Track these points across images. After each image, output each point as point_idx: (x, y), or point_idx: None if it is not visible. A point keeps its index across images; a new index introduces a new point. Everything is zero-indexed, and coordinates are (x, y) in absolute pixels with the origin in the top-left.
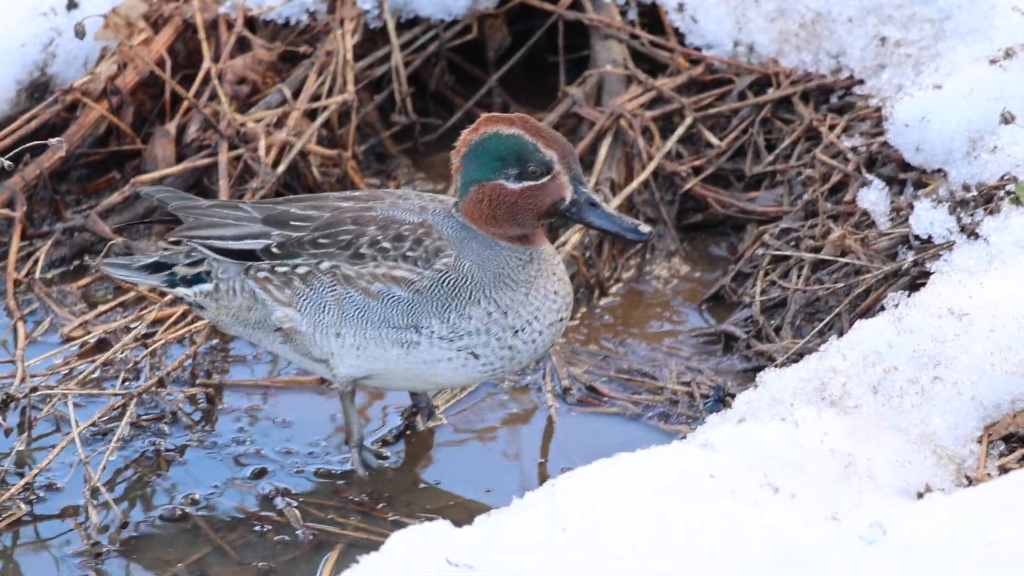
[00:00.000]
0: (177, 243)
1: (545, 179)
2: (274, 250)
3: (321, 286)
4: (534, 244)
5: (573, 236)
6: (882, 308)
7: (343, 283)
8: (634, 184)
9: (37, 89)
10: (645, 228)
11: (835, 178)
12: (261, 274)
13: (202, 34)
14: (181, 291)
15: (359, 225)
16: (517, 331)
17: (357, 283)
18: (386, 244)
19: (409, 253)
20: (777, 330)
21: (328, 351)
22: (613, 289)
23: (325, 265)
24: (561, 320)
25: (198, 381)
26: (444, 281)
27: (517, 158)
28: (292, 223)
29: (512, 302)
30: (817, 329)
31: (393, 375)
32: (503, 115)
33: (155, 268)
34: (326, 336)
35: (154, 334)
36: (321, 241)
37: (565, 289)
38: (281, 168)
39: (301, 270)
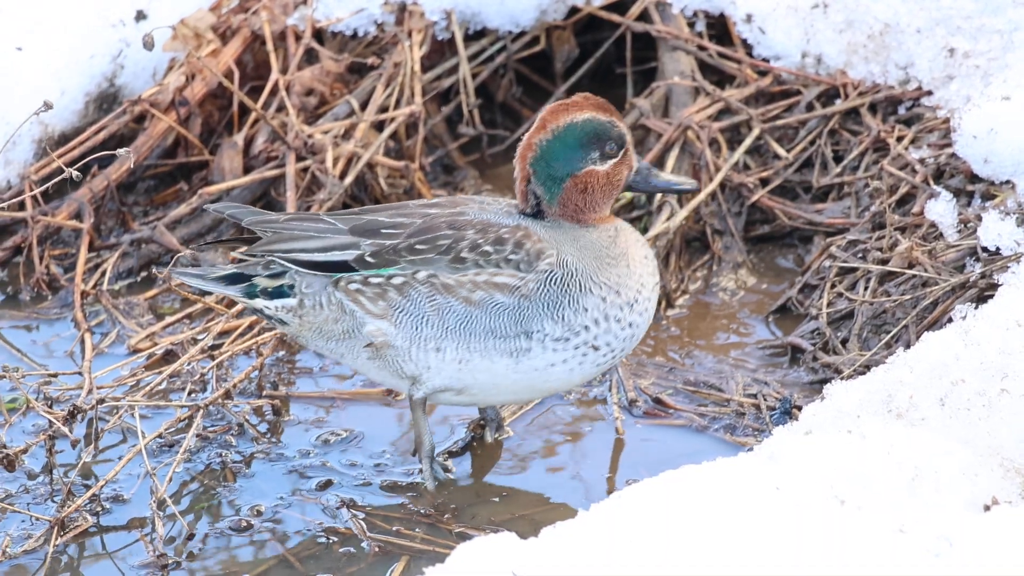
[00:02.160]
0: (251, 255)
1: (621, 153)
2: (368, 259)
3: (419, 296)
4: (611, 220)
5: None
6: (949, 320)
7: (443, 292)
8: (701, 196)
9: (105, 100)
10: (691, 183)
11: (902, 190)
12: (353, 285)
13: (270, 45)
14: (261, 303)
15: (456, 229)
16: (632, 304)
17: (458, 292)
18: (487, 247)
19: (511, 256)
20: (844, 342)
21: (424, 366)
22: (680, 301)
23: (423, 274)
24: (657, 283)
25: (264, 393)
26: (551, 280)
27: (596, 139)
28: (383, 231)
29: (620, 277)
30: (884, 341)
31: (498, 388)
32: (565, 102)
33: (233, 279)
34: (424, 351)
35: (221, 346)
36: (418, 247)
37: (651, 252)
38: (348, 179)
39: (397, 280)
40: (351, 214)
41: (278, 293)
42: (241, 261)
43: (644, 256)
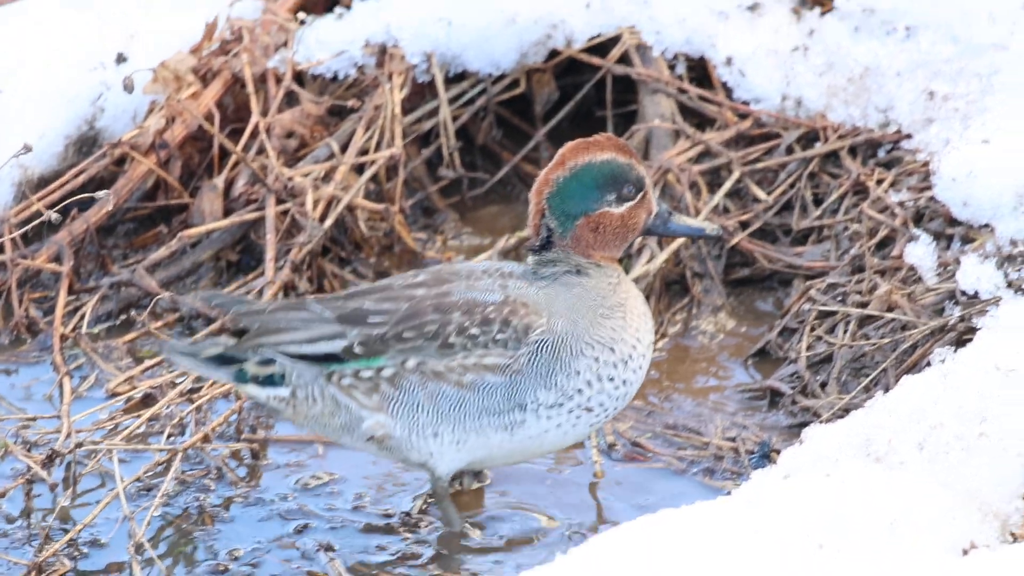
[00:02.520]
0: (236, 333)
1: (639, 196)
2: (356, 349)
3: (411, 386)
4: (617, 266)
5: None
6: (928, 364)
7: (433, 379)
8: (681, 239)
9: (85, 143)
10: (713, 227)
11: (882, 233)
12: (346, 380)
13: (251, 88)
14: (252, 390)
15: (442, 313)
16: (627, 361)
17: (448, 377)
18: (474, 330)
19: (499, 336)
20: (823, 386)
21: (427, 452)
22: (659, 344)
23: (411, 363)
24: (652, 341)
25: (243, 436)
26: (542, 349)
27: (613, 181)
28: (370, 320)
29: (615, 331)
30: (863, 385)
31: (495, 458)
32: (587, 140)
33: (222, 361)
34: (423, 438)
35: (199, 389)
36: (406, 335)
37: (648, 310)
38: (328, 222)
39: (387, 372)
40: (338, 299)
41: (269, 381)
42: (235, 333)
43: (643, 312)
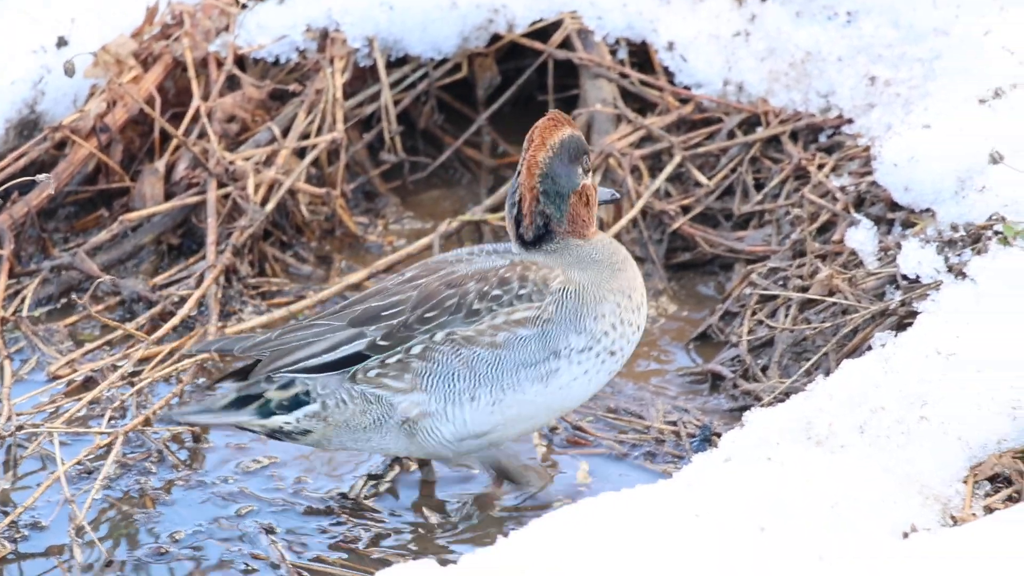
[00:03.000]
0: (244, 376)
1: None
2: (381, 342)
3: (443, 356)
4: (600, 233)
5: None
6: (869, 348)
7: (466, 345)
8: (622, 222)
9: (26, 127)
10: (612, 192)
11: (823, 217)
12: (372, 372)
13: (192, 72)
14: (280, 420)
15: (457, 287)
16: (640, 308)
17: (480, 340)
18: (496, 291)
19: (521, 292)
20: (764, 369)
21: (460, 419)
22: None
23: (440, 336)
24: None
25: None
26: (567, 296)
27: (581, 154)
28: (384, 314)
29: (629, 281)
30: (804, 369)
31: (521, 418)
32: (551, 119)
33: (241, 403)
34: (459, 405)
35: (141, 372)
36: (428, 315)
37: None
38: (270, 206)
39: (416, 349)
40: (339, 311)
41: (296, 403)
42: (239, 374)
43: (635, 270)
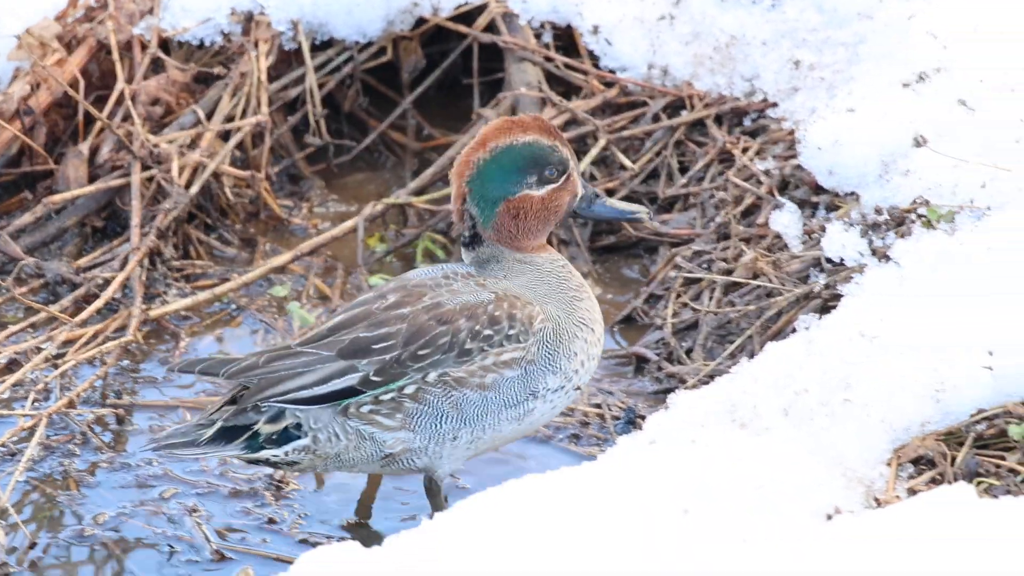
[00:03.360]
0: (232, 402)
1: (562, 179)
2: (373, 378)
3: (434, 398)
4: (550, 249)
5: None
6: (793, 330)
7: (457, 387)
8: None
9: None
10: (644, 211)
11: (748, 201)
12: (365, 408)
13: (116, 55)
14: (268, 453)
15: (448, 323)
16: (600, 340)
17: (470, 382)
18: (488, 332)
19: (510, 332)
20: (688, 352)
21: (438, 455)
22: None
23: (432, 376)
24: None
25: (108, 402)
26: (545, 338)
27: (535, 163)
28: (375, 347)
29: (589, 312)
30: (728, 351)
31: (491, 448)
32: (510, 120)
33: (227, 436)
34: (440, 444)
35: (65, 355)
36: (421, 352)
37: None
38: (194, 189)
39: (409, 389)
40: (323, 337)
41: (286, 437)
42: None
43: (590, 290)
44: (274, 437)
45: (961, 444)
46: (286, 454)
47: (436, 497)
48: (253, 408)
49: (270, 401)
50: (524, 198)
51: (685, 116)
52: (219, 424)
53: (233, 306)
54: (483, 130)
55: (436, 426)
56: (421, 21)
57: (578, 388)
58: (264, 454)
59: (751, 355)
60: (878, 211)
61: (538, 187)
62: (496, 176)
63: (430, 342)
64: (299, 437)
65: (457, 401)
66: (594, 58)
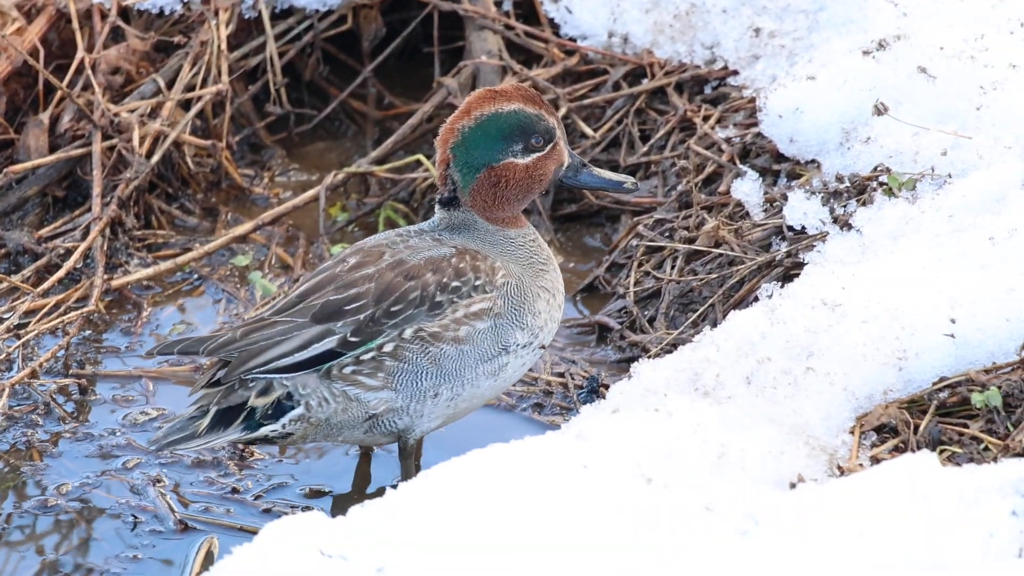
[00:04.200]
0: (216, 383)
1: (548, 148)
2: (351, 339)
3: (413, 355)
4: (526, 225)
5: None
6: (756, 299)
7: (433, 342)
8: None
9: None
10: (631, 181)
11: (709, 169)
12: (347, 369)
13: (76, 24)
14: (267, 430)
15: (415, 278)
16: (560, 306)
17: (446, 336)
18: (455, 283)
19: (476, 282)
20: (651, 321)
21: (418, 414)
22: None
23: (408, 332)
24: None
25: (71, 372)
26: (510, 292)
27: (521, 132)
28: (347, 308)
29: (550, 281)
30: (691, 320)
31: (468, 410)
32: (494, 90)
33: (224, 420)
34: (421, 401)
35: (27, 325)
36: (393, 309)
37: None
38: (155, 158)
39: (388, 347)
40: (291, 305)
41: (279, 410)
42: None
43: (554, 265)
44: (269, 412)
45: (924, 412)
46: (283, 427)
47: (408, 460)
48: (241, 385)
49: (254, 372)
50: (508, 166)
51: (646, 84)
52: (213, 410)
53: (195, 276)
54: (468, 99)
55: (416, 383)
56: None
57: (543, 347)
58: (263, 431)
59: (714, 324)
60: (839, 179)
61: (523, 155)
62: (480, 143)
63: (401, 298)
64: (292, 407)
65: (435, 356)
66: (554, 26)
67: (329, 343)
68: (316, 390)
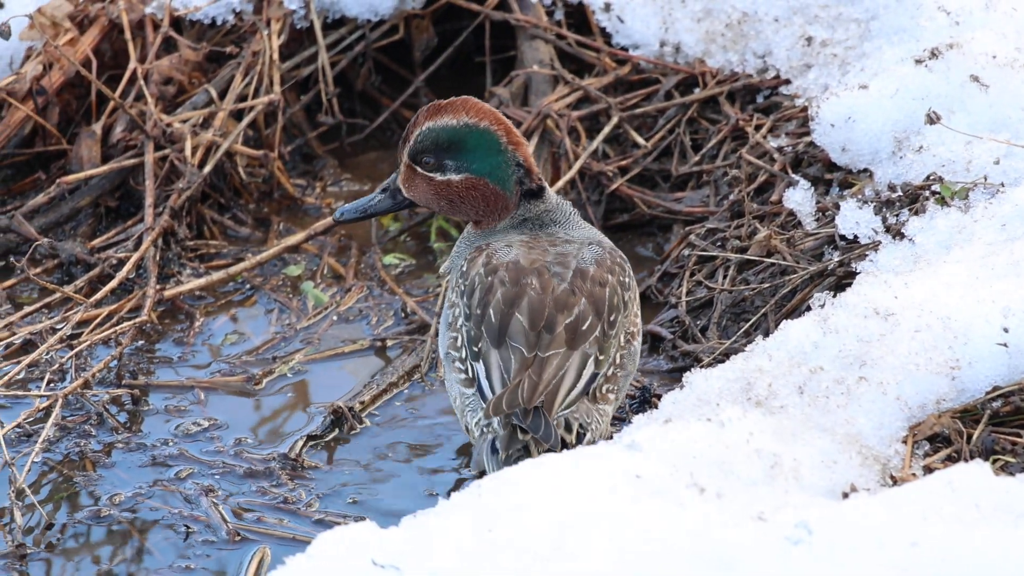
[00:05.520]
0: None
1: None
2: (599, 357)
3: (627, 361)
4: None
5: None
6: (808, 308)
7: (632, 341)
8: (560, 183)
9: None
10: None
11: (761, 178)
12: (604, 389)
13: (128, 34)
14: None
15: (605, 284)
16: None
17: (634, 331)
18: (625, 278)
19: (629, 270)
20: (703, 330)
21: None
22: None
23: (622, 338)
24: None
25: (124, 382)
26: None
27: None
28: (583, 329)
29: None
30: (743, 329)
31: None
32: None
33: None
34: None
35: (80, 335)
36: (612, 319)
37: None
38: (207, 169)
39: (617, 359)
40: (520, 332)
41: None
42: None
43: None
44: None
45: (977, 421)
46: None
47: None
48: (544, 426)
49: (558, 415)
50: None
51: (698, 93)
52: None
53: (247, 286)
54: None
55: (624, 387)
56: None
57: None
58: None
59: (766, 333)
60: (892, 188)
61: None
62: None
63: (612, 306)
64: (584, 435)
65: (633, 355)
66: (606, 36)
67: (591, 366)
68: (589, 413)
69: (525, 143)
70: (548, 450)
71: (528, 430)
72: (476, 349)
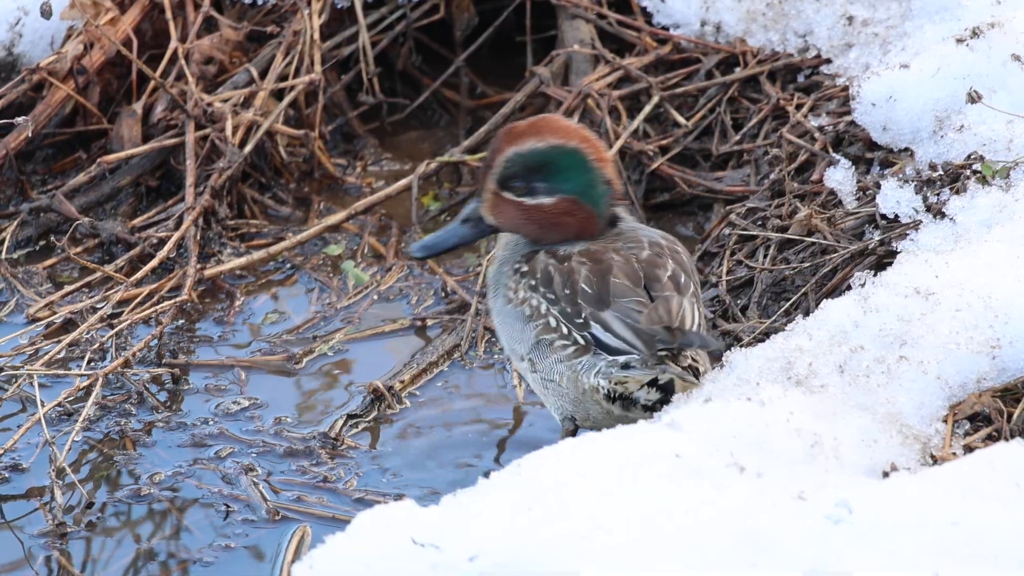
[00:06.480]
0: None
1: None
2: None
3: None
4: None
5: None
6: (848, 287)
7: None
8: None
9: (3, 69)
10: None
11: (802, 157)
12: None
13: (169, 14)
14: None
15: (677, 251)
16: None
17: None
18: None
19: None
20: (744, 310)
21: None
22: None
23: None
24: None
25: (164, 361)
26: None
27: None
28: (682, 281)
29: None
30: (783, 309)
31: None
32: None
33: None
34: None
35: (120, 314)
36: (695, 280)
37: None
38: (248, 148)
39: None
40: (623, 292)
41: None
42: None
43: None
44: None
45: (1017, 400)
46: None
47: None
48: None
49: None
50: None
51: (738, 73)
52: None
53: (288, 265)
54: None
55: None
56: None
57: None
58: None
59: (806, 312)
60: (932, 167)
61: None
62: None
63: (690, 269)
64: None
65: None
66: (647, 15)
67: (700, 308)
68: (698, 355)
69: (610, 159)
70: (712, 354)
71: (685, 345)
72: (581, 320)
